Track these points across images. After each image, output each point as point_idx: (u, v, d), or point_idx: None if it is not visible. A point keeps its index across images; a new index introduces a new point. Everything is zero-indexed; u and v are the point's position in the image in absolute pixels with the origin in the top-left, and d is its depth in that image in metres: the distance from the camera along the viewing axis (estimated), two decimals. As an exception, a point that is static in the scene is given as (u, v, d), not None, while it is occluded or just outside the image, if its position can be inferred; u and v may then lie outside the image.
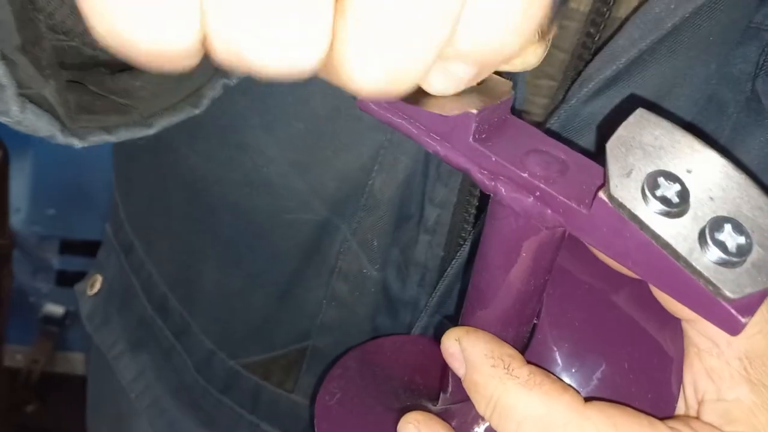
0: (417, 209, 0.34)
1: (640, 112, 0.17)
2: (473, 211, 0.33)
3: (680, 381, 0.22)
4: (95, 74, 0.24)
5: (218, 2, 0.14)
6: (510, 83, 0.20)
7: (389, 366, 0.31)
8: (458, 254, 0.33)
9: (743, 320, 0.17)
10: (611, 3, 0.29)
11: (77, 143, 0.23)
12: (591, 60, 0.29)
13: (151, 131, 0.25)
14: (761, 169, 0.29)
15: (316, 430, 0.27)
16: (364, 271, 0.36)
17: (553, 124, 0.28)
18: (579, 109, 0.29)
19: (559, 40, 0.31)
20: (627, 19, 0.27)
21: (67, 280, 1.27)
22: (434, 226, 0.34)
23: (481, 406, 0.22)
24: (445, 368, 0.27)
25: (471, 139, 0.19)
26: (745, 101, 0.29)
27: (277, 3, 0.13)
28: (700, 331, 0.21)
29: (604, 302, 0.23)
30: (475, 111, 0.19)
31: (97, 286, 0.54)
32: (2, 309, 1.26)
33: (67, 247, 1.25)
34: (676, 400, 0.22)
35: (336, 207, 0.35)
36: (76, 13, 0.23)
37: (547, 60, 0.32)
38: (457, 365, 0.23)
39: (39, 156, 1.21)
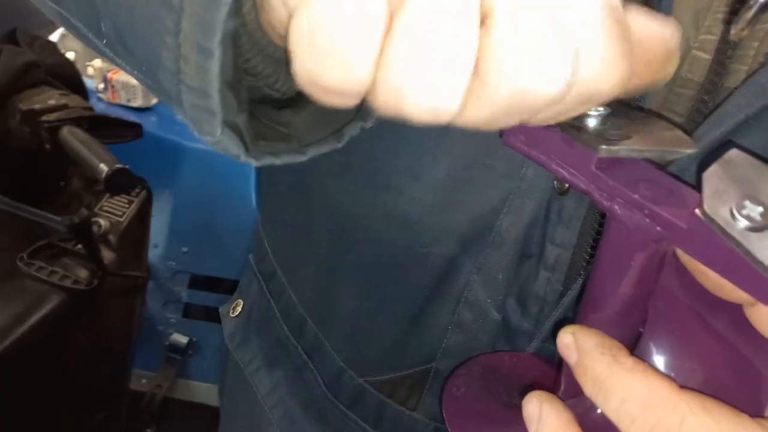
0: (538, 248, 0.39)
1: (734, 150, 0.22)
2: (590, 250, 0.37)
3: None
4: (265, 109, 0.31)
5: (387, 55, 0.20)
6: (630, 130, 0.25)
7: (506, 373, 0.36)
8: (573, 287, 0.37)
9: None
10: (723, 75, 0.33)
11: (254, 162, 0.28)
12: (702, 123, 0.34)
13: (305, 158, 0.31)
14: None
15: (444, 415, 0.32)
16: (488, 301, 0.41)
17: None
18: (688, 165, 0.33)
19: (675, 105, 0.36)
20: (736, 88, 0.31)
21: (193, 312, 1.38)
22: (554, 264, 0.38)
23: (588, 387, 0.25)
24: (557, 373, 0.31)
25: (593, 167, 0.24)
26: None
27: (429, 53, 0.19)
28: None
29: (703, 322, 0.27)
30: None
31: (239, 309, 0.61)
32: (134, 335, 1.38)
33: (196, 282, 1.36)
34: (764, 410, 0.25)
35: (466, 244, 0.40)
36: (267, 61, 0.29)
37: None
38: (569, 353, 0.27)
39: (177, 199, 1.34)
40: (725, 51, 0.32)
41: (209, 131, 0.26)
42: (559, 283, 0.38)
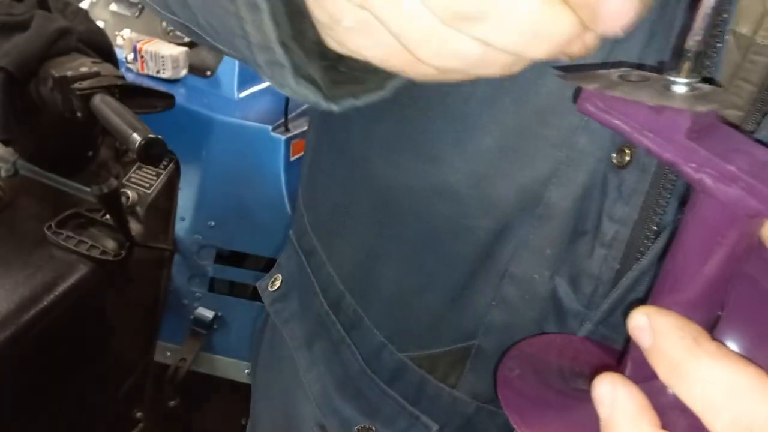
0: (593, 224, 0.37)
1: None
2: (654, 227, 0.35)
3: None
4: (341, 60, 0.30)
5: None
6: (722, 92, 0.23)
7: (558, 356, 0.34)
8: (634, 267, 0.35)
9: None
10: None
11: (335, 108, 0.30)
12: None
13: (385, 93, 0.31)
14: None
15: (499, 397, 0.31)
16: (535, 277, 0.39)
17: None
18: None
19: (747, 74, 0.33)
20: None
21: (219, 287, 1.38)
22: (611, 242, 0.36)
23: (663, 372, 0.23)
24: (619, 357, 0.29)
25: (683, 136, 0.22)
26: None
27: None
28: None
29: None
30: (689, 112, 0.22)
31: (277, 284, 0.60)
32: (159, 308, 1.38)
33: (222, 257, 1.35)
34: None
35: (512, 215, 0.39)
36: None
37: (735, 92, 0.34)
38: (643, 336, 0.24)
39: (205, 172, 1.33)
40: None
41: (285, 83, 0.28)
42: (616, 261, 0.37)
